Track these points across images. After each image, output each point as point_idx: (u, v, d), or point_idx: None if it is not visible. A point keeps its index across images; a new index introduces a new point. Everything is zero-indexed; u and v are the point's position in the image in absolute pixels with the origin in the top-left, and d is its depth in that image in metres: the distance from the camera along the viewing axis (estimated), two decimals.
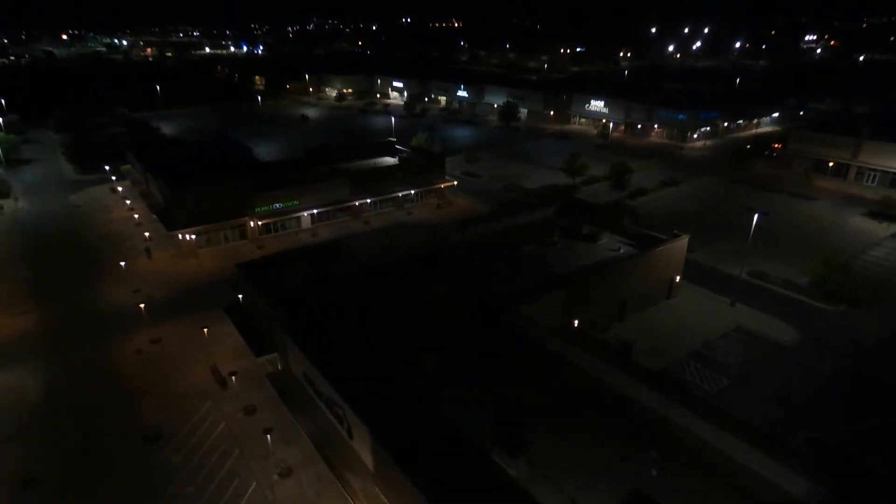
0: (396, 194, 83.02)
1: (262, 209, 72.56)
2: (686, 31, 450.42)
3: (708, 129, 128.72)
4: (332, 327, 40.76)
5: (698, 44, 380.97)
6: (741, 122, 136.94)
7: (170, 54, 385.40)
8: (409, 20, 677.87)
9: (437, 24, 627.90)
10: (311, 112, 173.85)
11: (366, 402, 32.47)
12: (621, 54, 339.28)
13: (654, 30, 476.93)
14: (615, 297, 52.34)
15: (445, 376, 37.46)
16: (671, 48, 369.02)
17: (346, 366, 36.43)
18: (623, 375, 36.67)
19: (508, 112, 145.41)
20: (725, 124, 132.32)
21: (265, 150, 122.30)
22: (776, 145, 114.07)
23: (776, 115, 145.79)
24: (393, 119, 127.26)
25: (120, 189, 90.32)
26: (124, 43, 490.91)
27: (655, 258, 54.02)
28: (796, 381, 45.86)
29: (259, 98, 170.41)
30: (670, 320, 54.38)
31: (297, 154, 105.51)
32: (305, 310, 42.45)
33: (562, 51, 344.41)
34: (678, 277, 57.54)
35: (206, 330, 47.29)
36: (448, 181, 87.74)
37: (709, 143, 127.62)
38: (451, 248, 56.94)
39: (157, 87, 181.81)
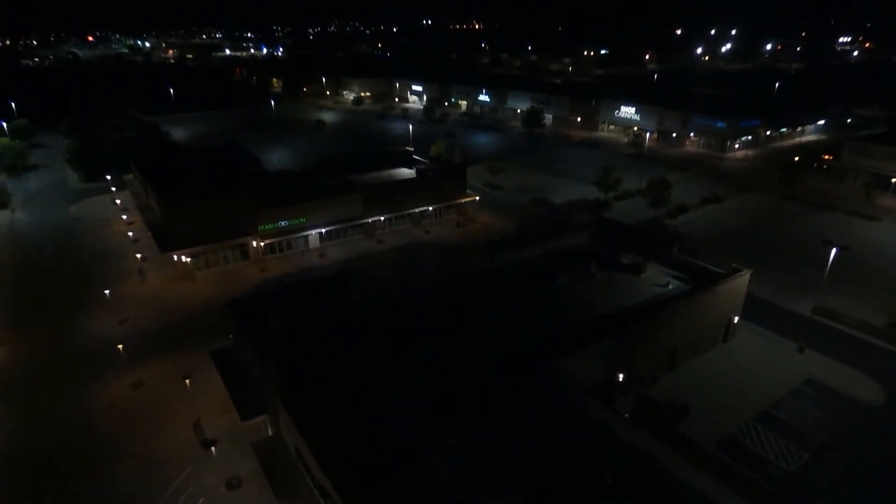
0: (413, 210, 76.30)
1: (267, 227, 66.39)
2: (713, 32, 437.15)
3: (749, 137, 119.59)
4: (333, 390, 34.05)
5: (728, 46, 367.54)
6: (784, 130, 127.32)
7: (190, 56, 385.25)
8: (429, 22, 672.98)
9: (457, 26, 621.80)
10: (328, 116, 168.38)
11: (367, 499, 25.68)
12: (647, 57, 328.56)
13: (678, 32, 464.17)
14: (666, 344, 44.77)
15: (468, 454, 30.52)
16: (699, 50, 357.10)
17: (347, 444, 29.69)
18: (686, 464, 29.38)
19: (533, 118, 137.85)
20: (768, 133, 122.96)
21: (277, 158, 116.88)
22: (826, 156, 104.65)
23: (822, 122, 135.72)
24: (411, 126, 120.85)
25: (119, 201, 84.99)
26: (147, 45, 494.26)
27: (713, 298, 46.31)
28: (890, 455, 37.86)
29: (273, 102, 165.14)
30: (729, 370, 46.59)
31: (308, 162, 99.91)
32: (302, 365, 35.88)
33: (585, 53, 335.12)
34: (737, 318, 49.69)
35: (188, 381, 40.91)
36: (469, 196, 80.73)
37: (750, 153, 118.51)
38: (474, 279, 49.96)
39: (171, 90, 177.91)
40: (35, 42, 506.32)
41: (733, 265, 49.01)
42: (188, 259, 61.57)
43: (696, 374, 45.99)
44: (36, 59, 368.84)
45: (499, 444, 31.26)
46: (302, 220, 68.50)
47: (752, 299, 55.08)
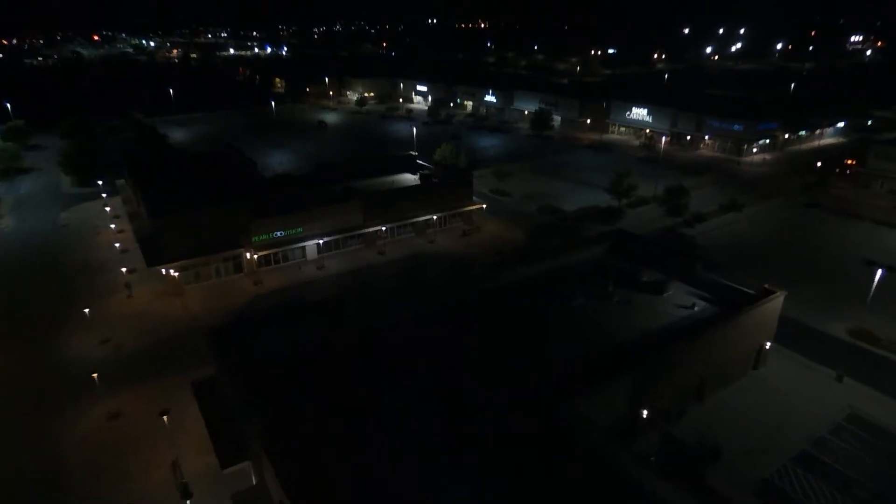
0: (417, 219, 72.38)
1: (262, 238, 62.64)
2: (720, 31, 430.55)
3: (766, 141, 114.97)
4: (323, 437, 30.18)
5: (738, 45, 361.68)
6: (803, 133, 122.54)
7: (194, 56, 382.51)
8: (435, 21, 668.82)
9: (463, 25, 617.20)
10: (330, 117, 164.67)
11: None
12: (655, 56, 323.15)
13: (685, 31, 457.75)
14: (693, 375, 40.67)
15: None
16: (708, 50, 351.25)
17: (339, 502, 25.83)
18: None
19: (541, 120, 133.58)
20: (786, 136, 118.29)
21: (277, 161, 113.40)
22: (850, 161, 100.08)
23: (841, 124, 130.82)
24: (415, 130, 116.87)
25: (108, 208, 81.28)
26: (151, 44, 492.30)
27: (744, 323, 42.15)
28: None
29: (273, 103, 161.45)
30: (761, 403, 42.40)
31: (309, 166, 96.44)
32: (290, 406, 32.04)
33: (592, 52, 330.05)
34: (769, 344, 45.51)
35: (165, 418, 37.11)
36: (476, 203, 76.73)
37: (767, 157, 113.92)
38: (481, 299, 46.02)
39: (171, 91, 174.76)
40: (41, 41, 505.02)
41: (765, 286, 44.81)
42: (176, 274, 57.84)
43: (726, 408, 41.84)
44: (40, 59, 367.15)
45: (510, 500, 27.33)
46: (299, 230, 64.70)
47: (781, 318, 50.97)
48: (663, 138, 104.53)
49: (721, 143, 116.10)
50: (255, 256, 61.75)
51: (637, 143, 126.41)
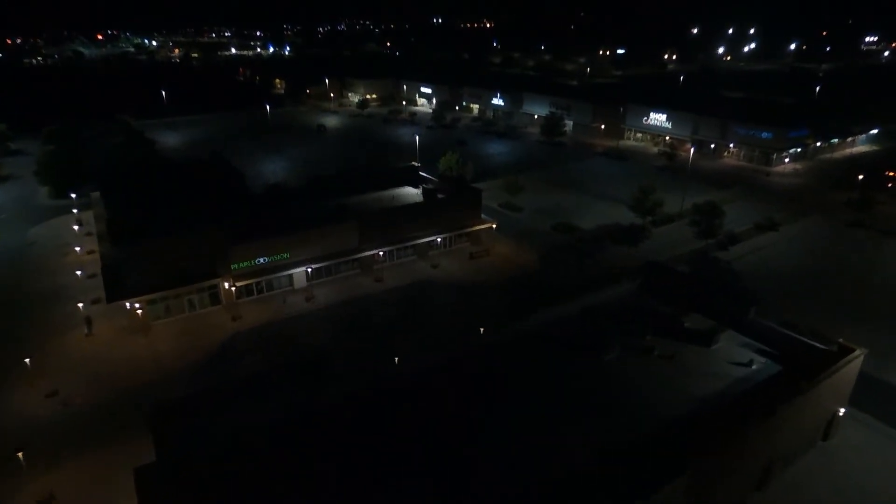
0: (419, 241, 64.77)
1: (242, 266, 55.17)
2: (730, 31, 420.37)
3: (798, 149, 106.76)
4: None
5: (752, 45, 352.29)
6: (835, 140, 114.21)
7: (195, 55, 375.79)
8: (439, 20, 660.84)
9: (468, 25, 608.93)
10: (330, 121, 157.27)
11: None
12: (666, 57, 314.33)
13: (694, 30, 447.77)
14: (756, 460, 32.87)
15: None
16: (720, 50, 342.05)
17: None
18: None
19: (552, 125, 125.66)
20: (817, 143, 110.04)
21: (270, 169, 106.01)
22: (891, 173, 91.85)
23: (874, 131, 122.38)
24: (418, 137, 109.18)
25: (77, 227, 73.94)
26: (153, 44, 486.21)
27: (819, 390, 34.31)
28: None
29: (267, 107, 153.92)
30: (836, 486, 34.60)
31: (305, 173, 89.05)
32: None
33: (601, 52, 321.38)
34: (842, 410, 37.66)
35: None
36: (486, 222, 69.10)
37: (798, 166, 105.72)
38: (493, 352, 38.42)
39: (164, 93, 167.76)
40: (41, 40, 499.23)
41: (841, 341, 36.99)
42: (140, 310, 50.36)
43: (794, 493, 34.04)
44: (39, 59, 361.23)
45: None
46: (285, 255, 57.16)
47: None
48: (692, 149, 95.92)
49: (747, 151, 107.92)
50: (234, 288, 54.17)
51: (655, 150, 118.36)
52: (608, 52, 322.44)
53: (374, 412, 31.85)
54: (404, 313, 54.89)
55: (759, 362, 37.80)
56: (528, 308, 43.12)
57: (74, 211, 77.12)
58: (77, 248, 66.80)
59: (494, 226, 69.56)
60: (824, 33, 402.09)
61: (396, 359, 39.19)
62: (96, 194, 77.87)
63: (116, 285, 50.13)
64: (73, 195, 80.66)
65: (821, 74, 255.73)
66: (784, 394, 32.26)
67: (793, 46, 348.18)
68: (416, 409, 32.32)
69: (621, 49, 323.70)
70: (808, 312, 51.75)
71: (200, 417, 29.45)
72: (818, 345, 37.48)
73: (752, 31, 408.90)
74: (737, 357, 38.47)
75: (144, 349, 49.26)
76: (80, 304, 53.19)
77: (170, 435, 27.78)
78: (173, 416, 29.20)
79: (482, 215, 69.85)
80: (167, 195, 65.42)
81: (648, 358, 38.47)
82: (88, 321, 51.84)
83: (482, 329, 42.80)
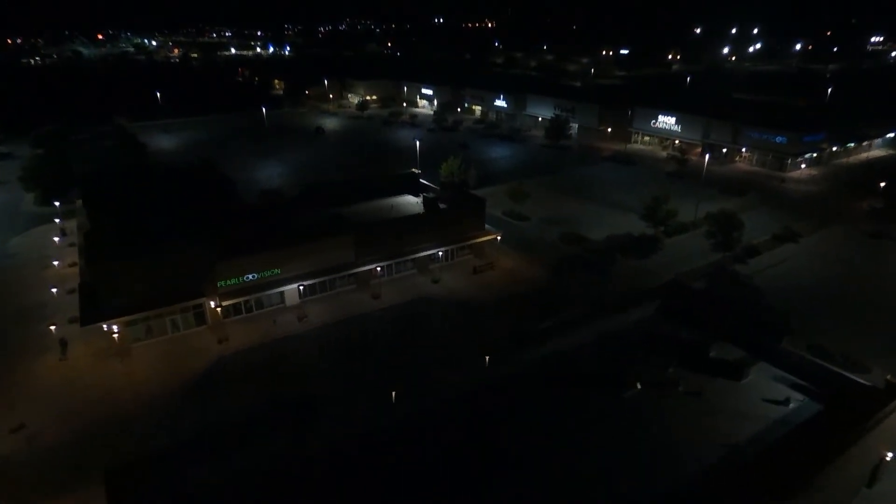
0: (419, 254, 61.03)
1: (229, 283, 51.46)
2: (733, 31, 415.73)
3: (814, 154, 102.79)
4: None
5: (757, 46, 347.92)
6: (851, 144, 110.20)
7: (195, 55, 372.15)
8: (441, 20, 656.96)
9: (470, 25, 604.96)
10: (329, 122, 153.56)
11: None
12: (670, 57, 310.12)
13: (697, 30, 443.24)
14: None
15: None
16: (725, 51, 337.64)
17: None
18: None
19: (557, 128, 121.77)
20: (834, 148, 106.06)
21: (266, 174, 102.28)
22: None
23: (891, 135, 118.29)
24: (418, 142, 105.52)
25: (58, 238, 70.25)
26: (153, 43, 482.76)
27: (866, 433, 30.54)
28: None
29: (264, 110, 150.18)
30: None
31: (302, 178, 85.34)
32: None
33: (604, 53, 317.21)
34: (890, 455, 33.82)
35: None
36: (490, 233, 65.35)
37: (814, 172, 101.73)
38: (501, 388, 34.67)
39: (158, 94, 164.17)
40: (41, 40, 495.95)
41: (888, 377, 33.19)
42: (117, 333, 46.65)
43: None
44: (37, 59, 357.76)
45: None
46: (275, 271, 53.43)
47: None
48: (706, 156, 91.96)
49: (760, 155, 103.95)
50: (220, 308, 50.42)
51: (664, 154, 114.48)
52: (611, 53, 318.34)
53: (363, 465, 28.14)
54: (403, 333, 51.16)
55: (796, 400, 34.05)
56: (539, 335, 39.34)
57: (56, 220, 73.32)
58: (55, 263, 62.99)
59: (499, 237, 65.80)
60: (828, 33, 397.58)
61: (393, 393, 35.49)
62: (80, 202, 74.41)
63: (92, 307, 46.41)
64: (57, 203, 76.90)
65: (828, 75, 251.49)
66: (832, 443, 28.48)
67: (798, 47, 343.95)
68: (410, 463, 28.62)
69: (625, 49, 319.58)
70: (837, 335, 47.84)
71: (162, 477, 25.71)
72: (862, 381, 33.67)
73: (755, 31, 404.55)
74: (771, 393, 34.75)
75: (122, 377, 45.43)
76: (53, 327, 49.28)
77: (126, 501, 24.04)
78: (132, 477, 25.49)
79: (486, 225, 66.23)
80: (153, 204, 61.76)
81: (672, 394, 34.73)
82: (63, 344, 48.06)
83: (487, 357, 39.01)
